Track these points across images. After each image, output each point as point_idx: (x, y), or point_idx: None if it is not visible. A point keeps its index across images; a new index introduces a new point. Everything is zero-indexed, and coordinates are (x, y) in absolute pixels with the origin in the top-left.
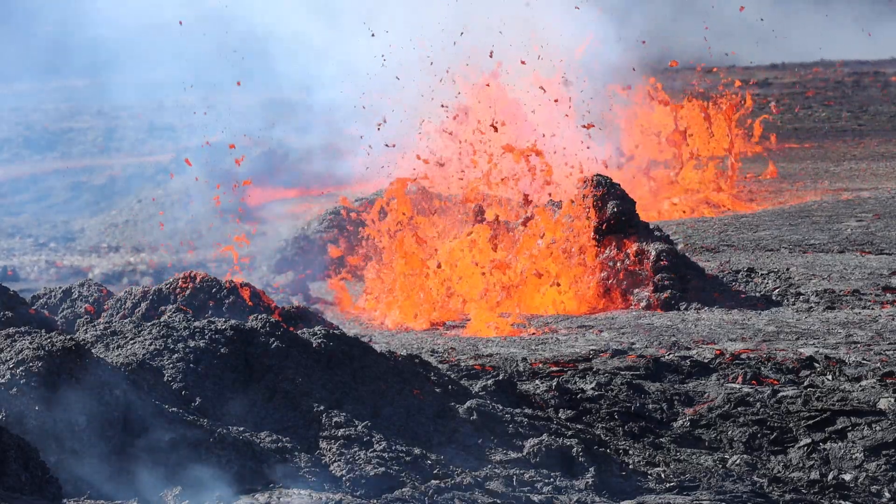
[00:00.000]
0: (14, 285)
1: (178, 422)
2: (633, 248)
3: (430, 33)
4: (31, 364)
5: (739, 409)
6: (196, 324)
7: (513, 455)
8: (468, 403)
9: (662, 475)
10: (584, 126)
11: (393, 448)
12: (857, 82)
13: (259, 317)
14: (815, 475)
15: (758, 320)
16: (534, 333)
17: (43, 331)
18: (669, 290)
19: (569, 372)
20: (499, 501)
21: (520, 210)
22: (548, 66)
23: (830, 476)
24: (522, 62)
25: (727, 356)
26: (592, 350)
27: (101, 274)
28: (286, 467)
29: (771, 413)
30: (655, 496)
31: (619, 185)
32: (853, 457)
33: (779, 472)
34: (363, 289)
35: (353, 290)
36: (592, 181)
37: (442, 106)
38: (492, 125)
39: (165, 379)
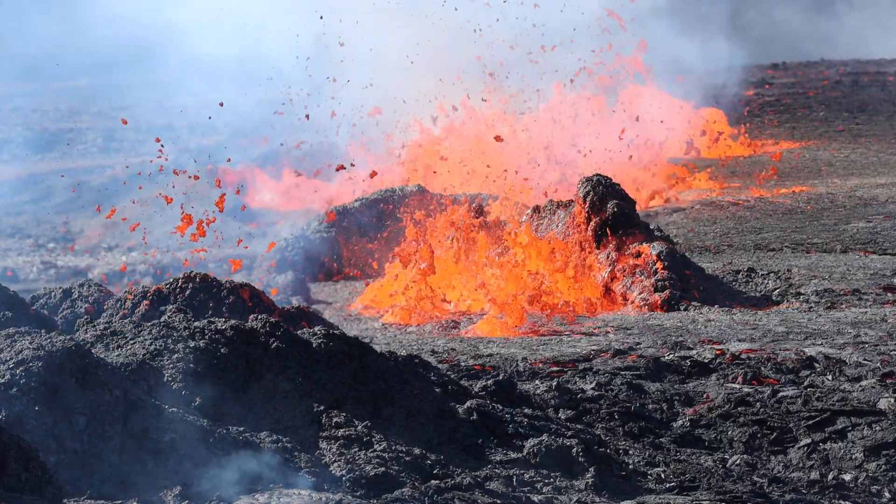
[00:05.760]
0: (14, 285)
1: (178, 422)
2: (632, 247)
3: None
4: (31, 364)
5: (739, 409)
6: (196, 324)
7: (513, 455)
8: (468, 403)
9: (662, 475)
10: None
11: (393, 448)
12: (856, 82)
13: (259, 317)
14: (815, 475)
15: (768, 321)
16: (540, 333)
17: (43, 331)
18: (669, 290)
19: (569, 372)
20: (499, 501)
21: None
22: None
23: (830, 476)
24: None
25: (727, 356)
26: (593, 350)
27: (101, 274)
28: (286, 467)
29: (771, 413)
30: (655, 496)
31: (618, 184)
32: (853, 457)
33: (779, 472)
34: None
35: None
36: (592, 180)
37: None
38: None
39: (165, 379)
